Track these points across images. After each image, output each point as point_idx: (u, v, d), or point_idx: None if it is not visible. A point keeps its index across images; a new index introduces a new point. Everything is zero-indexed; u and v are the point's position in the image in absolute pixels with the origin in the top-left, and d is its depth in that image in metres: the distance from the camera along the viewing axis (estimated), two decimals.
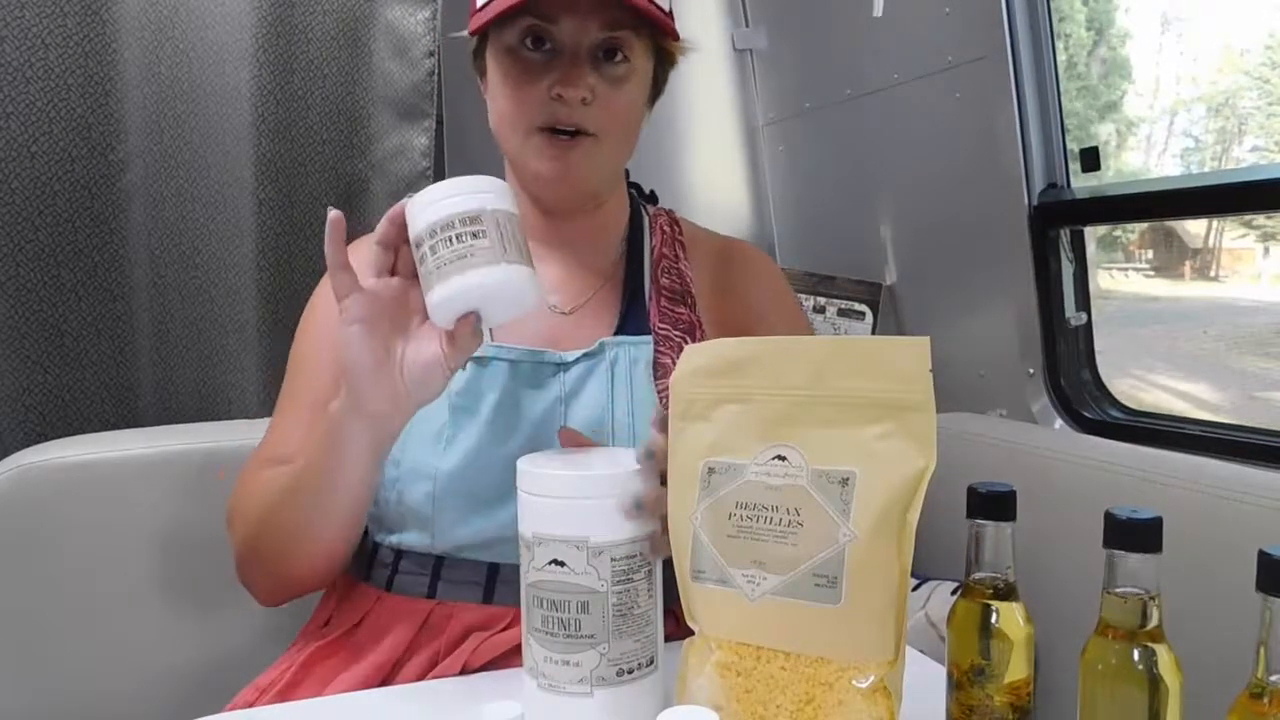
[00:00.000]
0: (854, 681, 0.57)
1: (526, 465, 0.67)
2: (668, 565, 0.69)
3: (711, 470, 0.62)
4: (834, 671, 0.57)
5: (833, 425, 0.59)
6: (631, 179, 1.05)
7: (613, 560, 0.65)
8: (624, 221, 0.99)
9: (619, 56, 0.87)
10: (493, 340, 0.90)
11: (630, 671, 0.67)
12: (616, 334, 0.91)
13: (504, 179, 0.83)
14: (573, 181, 0.89)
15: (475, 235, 0.66)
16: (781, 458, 0.59)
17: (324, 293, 1.00)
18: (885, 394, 0.58)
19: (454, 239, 0.66)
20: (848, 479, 0.57)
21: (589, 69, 0.85)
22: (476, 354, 0.87)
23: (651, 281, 0.95)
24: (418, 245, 0.69)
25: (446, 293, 0.67)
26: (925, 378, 0.58)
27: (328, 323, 0.96)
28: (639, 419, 0.87)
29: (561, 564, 0.64)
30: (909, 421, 0.58)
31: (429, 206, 0.68)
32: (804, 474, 0.58)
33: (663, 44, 0.92)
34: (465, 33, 0.93)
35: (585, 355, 0.89)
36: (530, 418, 0.87)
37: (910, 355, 0.58)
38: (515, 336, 0.91)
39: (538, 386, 0.88)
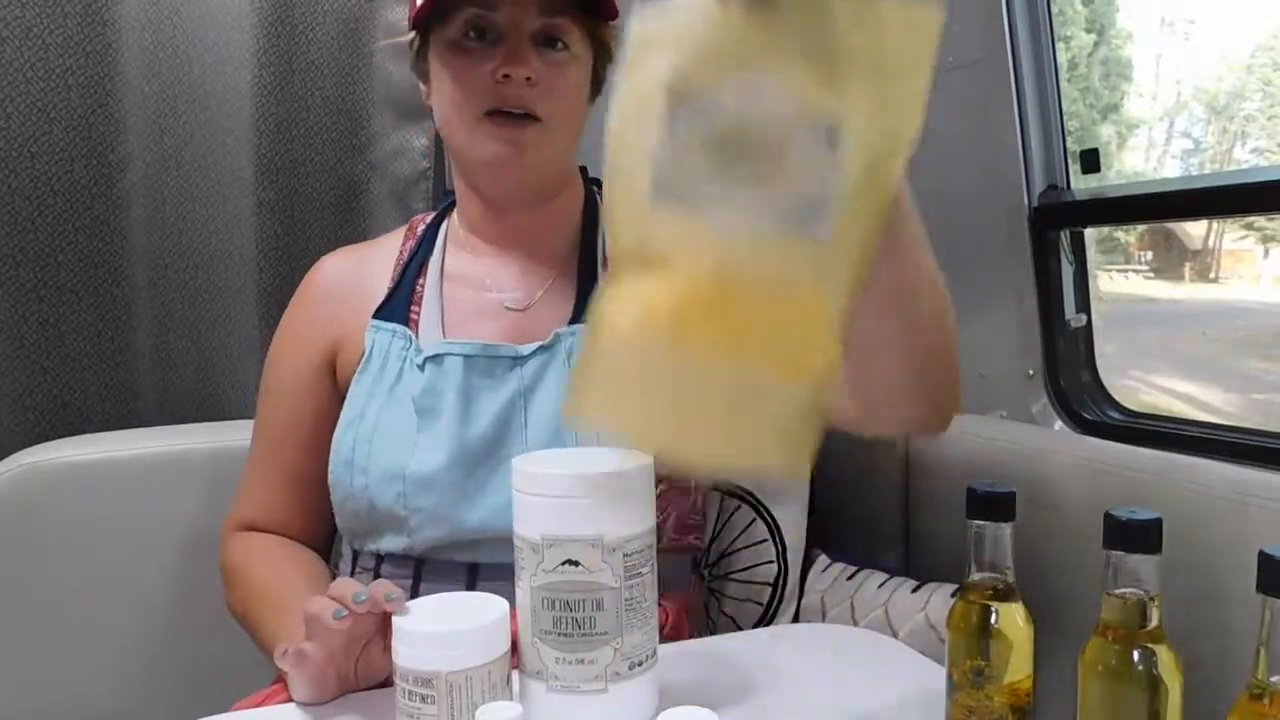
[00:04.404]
0: (825, 318, 0.54)
1: (527, 466, 0.67)
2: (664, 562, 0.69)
3: (680, 98, 0.55)
4: (810, 306, 0.54)
5: (814, 71, 0.53)
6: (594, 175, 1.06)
7: (625, 556, 0.65)
8: (578, 214, 0.99)
9: (559, 44, 0.88)
10: (446, 337, 0.91)
11: (640, 664, 0.67)
12: (571, 324, 0.91)
13: None
14: (522, 166, 0.90)
15: (424, 699, 0.64)
16: (758, 97, 0.54)
17: (293, 311, 1.02)
18: (879, 55, 0.54)
19: (406, 693, 0.65)
20: (835, 129, 0.53)
21: (531, 53, 0.87)
22: (432, 352, 0.89)
23: (604, 269, 0.96)
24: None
25: None
26: (928, 47, 0.54)
27: (292, 347, 0.99)
28: None
29: (576, 563, 0.64)
30: (897, 85, 0.54)
31: (404, 638, 0.66)
32: (784, 117, 0.54)
33: (600, 35, 0.93)
34: (405, 37, 0.95)
35: (541, 348, 0.90)
36: (491, 412, 0.88)
37: (915, 25, 0.54)
38: (470, 334, 0.92)
39: (496, 381, 0.89)
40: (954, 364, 0.74)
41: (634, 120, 0.56)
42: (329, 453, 0.92)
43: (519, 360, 0.89)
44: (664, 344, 0.53)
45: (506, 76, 0.86)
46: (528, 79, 0.86)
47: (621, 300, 0.54)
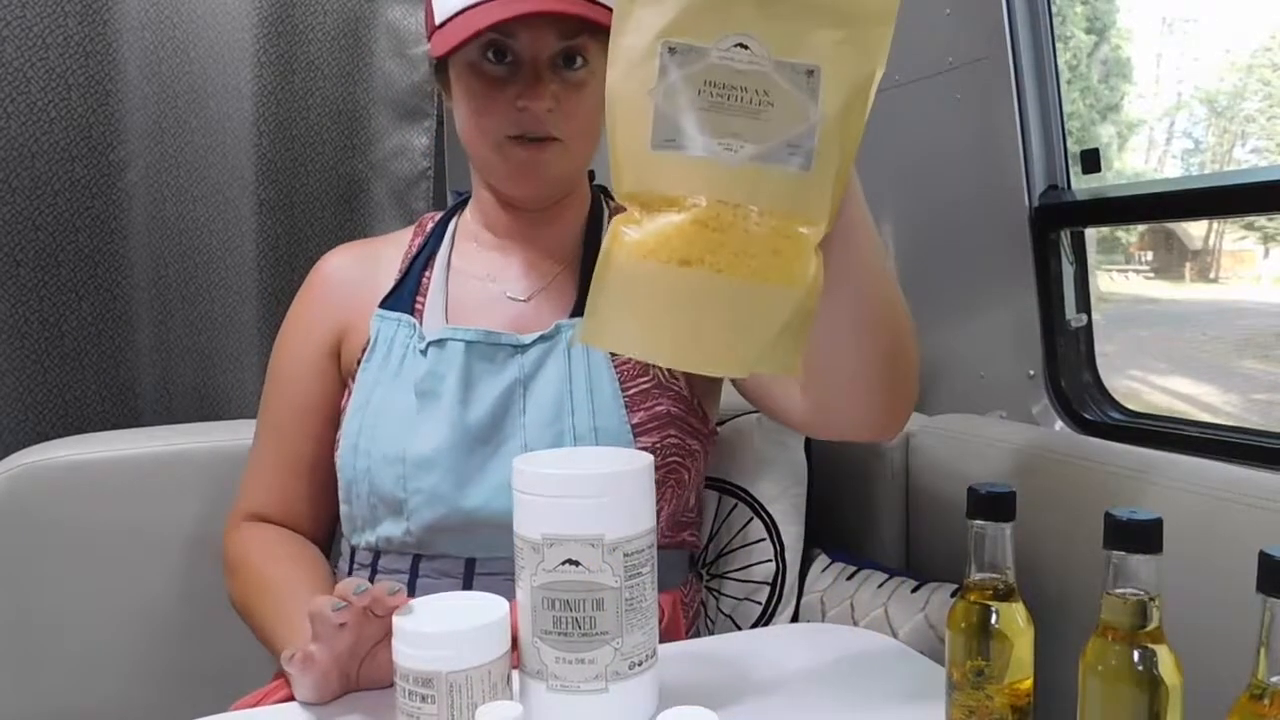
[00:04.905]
0: (811, 237, 0.60)
1: (527, 466, 0.67)
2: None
3: (673, 50, 0.60)
4: (797, 229, 0.60)
5: (793, 22, 0.59)
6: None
7: (625, 555, 0.65)
8: (584, 213, 1.01)
9: (578, 62, 0.89)
10: (448, 323, 0.92)
11: (640, 664, 0.67)
12: (572, 316, 0.93)
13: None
14: (540, 184, 0.93)
15: (424, 699, 0.64)
16: (744, 46, 0.59)
17: (301, 301, 1.02)
18: (853, 6, 0.59)
19: (406, 693, 0.65)
20: (813, 71, 0.59)
21: (550, 78, 0.87)
22: (435, 337, 0.90)
23: None
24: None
25: None
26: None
27: (299, 336, 0.99)
28: (598, 398, 0.89)
29: (576, 563, 0.65)
30: (867, 32, 0.59)
31: (404, 638, 0.66)
32: (768, 63, 0.59)
33: None
34: (424, 47, 0.95)
35: (541, 338, 0.91)
36: (491, 397, 0.89)
37: None
38: (472, 323, 0.93)
39: (496, 368, 0.90)
40: (910, 369, 0.76)
41: (632, 72, 0.60)
42: (333, 440, 0.94)
43: (520, 348, 0.91)
44: (668, 271, 0.59)
45: (525, 108, 0.87)
46: (547, 109, 0.87)
47: (629, 236, 0.60)
